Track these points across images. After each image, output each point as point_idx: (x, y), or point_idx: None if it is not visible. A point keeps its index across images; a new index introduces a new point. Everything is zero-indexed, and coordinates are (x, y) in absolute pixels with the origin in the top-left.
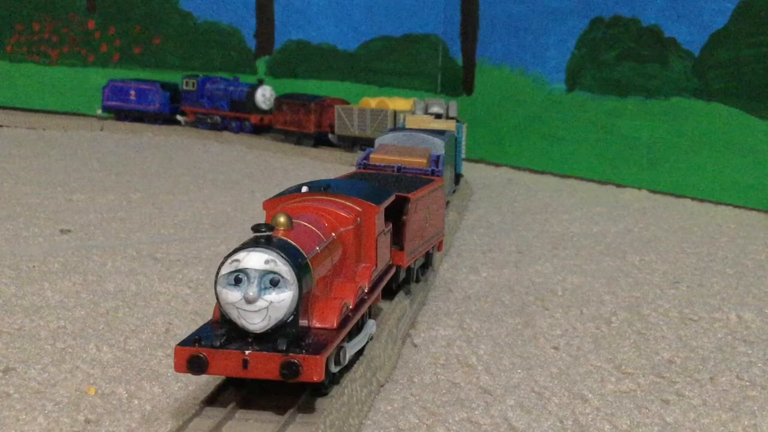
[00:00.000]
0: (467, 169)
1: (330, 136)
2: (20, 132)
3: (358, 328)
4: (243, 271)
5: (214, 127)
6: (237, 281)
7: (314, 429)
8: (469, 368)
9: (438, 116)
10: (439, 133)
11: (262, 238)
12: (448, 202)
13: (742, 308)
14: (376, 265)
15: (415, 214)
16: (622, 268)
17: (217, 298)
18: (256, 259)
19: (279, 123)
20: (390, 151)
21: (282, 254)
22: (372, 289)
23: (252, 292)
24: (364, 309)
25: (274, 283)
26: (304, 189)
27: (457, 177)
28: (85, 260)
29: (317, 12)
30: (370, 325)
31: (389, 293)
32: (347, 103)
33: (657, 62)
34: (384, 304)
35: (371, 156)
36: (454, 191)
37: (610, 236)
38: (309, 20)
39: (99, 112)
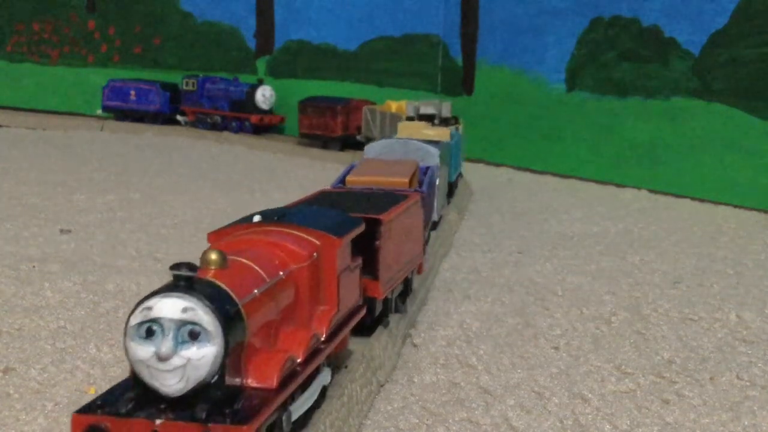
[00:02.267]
0: (467, 169)
1: (358, 137)
2: (20, 132)
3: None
4: (156, 321)
5: (214, 127)
6: (149, 333)
7: (314, 429)
8: (469, 368)
9: (430, 117)
10: (432, 143)
11: (181, 280)
12: (440, 218)
13: (742, 308)
14: (338, 307)
15: (389, 239)
16: (622, 268)
17: (126, 354)
18: (171, 307)
19: (304, 127)
20: (371, 169)
21: (204, 300)
22: (332, 336)
23: (165, 347)
24: (318, 361)
25: (194, 336)
26: (257, 218)
27: (451, 188)
28: (85, 260)
29: (317, 12)
30: (323, 375)
31: (366, 330)
32: (373, 104)
33: (657, 62)
34: (359, 344)
35: (348, 179)
36: (448, 203)
37: (610, 236)
38: (309, 20)
39: (99, 112)
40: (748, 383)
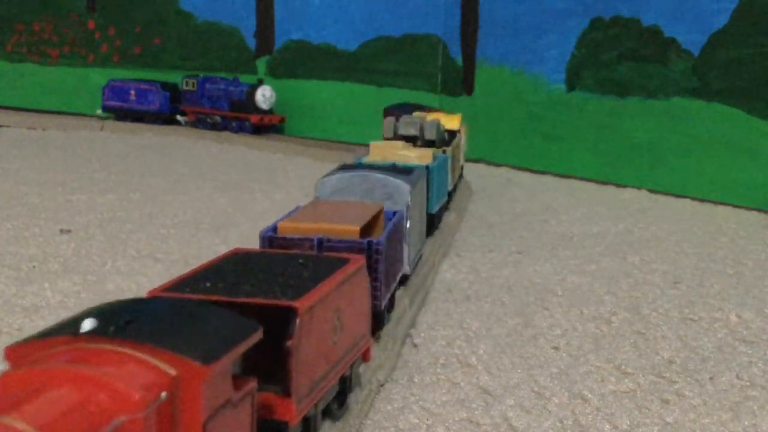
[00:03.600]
0: (467, 169)
1: None
2: (20, 132)
3: None
4: None
5: (214, 127)
6: None
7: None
8: (469, 368)
9: (412, 139)
10: (405, 172)
11: None
12: (414, 268)
13: (742, 308)
14: None
15: (311, 333)
16: (622, 268)
17: None
18: None
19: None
20: (317, 213)
21: None
22: None
23: None
24: None
25: None
26: (87, 325)
27: (432, 220)
28: (85, 260)
29: (317, 12)
30: None
31: None
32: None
33: (657, 62)
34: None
35: (281, 225)
36: (432, 233)
37: (610, 236)
38: (309, 20)
39: (99, 112)
40: (748, 383)
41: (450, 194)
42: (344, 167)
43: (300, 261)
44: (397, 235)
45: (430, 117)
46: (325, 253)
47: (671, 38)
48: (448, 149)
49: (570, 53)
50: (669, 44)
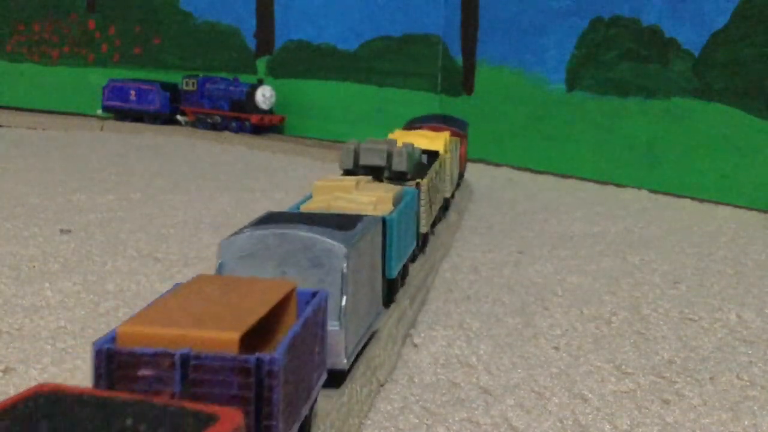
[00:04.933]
0: (468, 169)
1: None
2: (20, 132)
3: None
4: None
5: (214, 127)
6: None
7: (314, 429)
8: (469, 368)
9: (377, 171)
10: (346, 225)
11: None
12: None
13: (742, 308)
14: None
15: None
16: (622, 268)
17: None
18: None
19: None
20: (186, 304)
21: None
22: None
23: None
24: None
25: None
26: None
27: (393, 285)
28: (85, 260)
29: (317, 12)
30: None
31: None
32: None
33: (657, 62)
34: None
35: (121, 331)
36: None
37: (610, 236)
38: (309, 20)
39: (99, 112)
40: (748, 383)
41: (425, 237)
42: (264, 220)
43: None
44: (312, 334)
45: (404, 140)
46: (178, 402)
47: (671, 38)
48: (424, 181)
49: (570, 53)
50: (669, 44)
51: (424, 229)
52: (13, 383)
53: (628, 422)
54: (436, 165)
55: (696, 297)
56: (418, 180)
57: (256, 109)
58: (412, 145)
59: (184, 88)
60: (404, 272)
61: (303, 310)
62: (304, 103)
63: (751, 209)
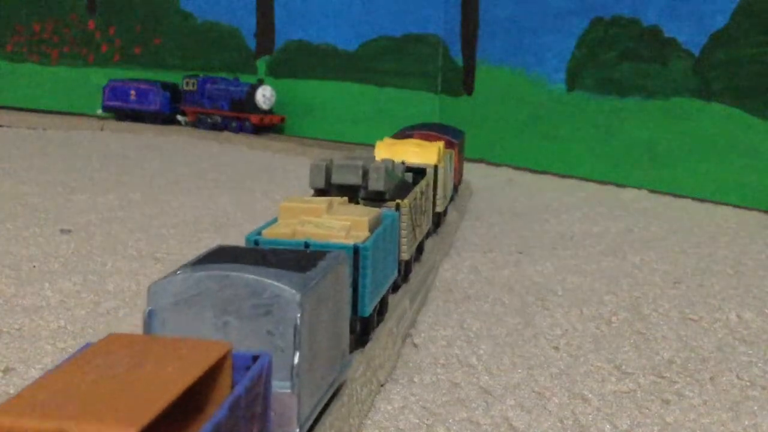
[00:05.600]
0: (468, 169)
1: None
2: (20, 132)
3: None
4: None
5: (215, 127)
6: None
7: (314, 429)
8: (469, 368)
9: (352, 191)
10: (306, 263)
11: None
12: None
13: (742, 308)
14: None
15: None
16: (623, 268)
17: None
18: None
19: None
20: (78, 384)
21: None
22: None
23: None
24: None
25: None
26: None
27: (365, 323)
28: (85, 260)
29: (317, 12)
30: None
31: None
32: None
33: (657, 62)
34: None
35: None
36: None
37: (610, 236)
38: (309, 20)
39: (99, 112)
40: (748, 383)
41: (408, 264)
42: (209, 256)
43: None
44: (246, 417)
45: (392, 149)
46: None
47: (671, 38)
48: (405, 201)
49: (570, 53)
50: (669, 44)
51: (405, 256)
52: (13, 383)
53: (628, 422)
54: (422, 183)
55: (696, 297)
56: (398, 201)
57: (257, 109)
58: (392, 161)
59: (185, 88)
60: (382, 307)
61: (242, 377)
62: (304, 103)
63: (751, 209)
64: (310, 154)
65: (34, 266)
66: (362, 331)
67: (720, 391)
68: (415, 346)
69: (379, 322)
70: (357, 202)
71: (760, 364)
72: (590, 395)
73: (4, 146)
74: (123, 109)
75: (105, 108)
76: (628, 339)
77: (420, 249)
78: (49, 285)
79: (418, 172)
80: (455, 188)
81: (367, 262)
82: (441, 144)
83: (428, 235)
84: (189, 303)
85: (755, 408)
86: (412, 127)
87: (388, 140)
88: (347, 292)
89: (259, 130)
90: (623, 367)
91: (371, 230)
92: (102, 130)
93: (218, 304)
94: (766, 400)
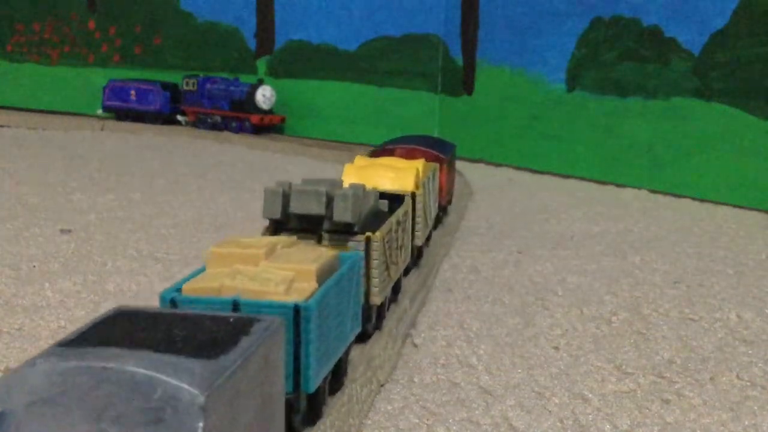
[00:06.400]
0: (468, 169)
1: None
2: (20, 132)
3: None
4: None
5: (215, 127)
6: None
7: (314, 429)
8: (469, 368)
9: (314, 222)
10: (232, 331)
11: None
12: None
13: (742, 308)
14: None
15: None
16: (623, 268)
17: None
18: None
19: None
20: None
21: None
22: None
23: None
24: None
25: None
26: None
27: (312, 399)
28: (85, 260)
29: (317, 12)
30: None
31: None
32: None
33: (657, 62)
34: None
35: None
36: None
37: (610, 236)
38: (309, 20)
39: (99, 112)
40: (748, 383)
41: (380, 309)
42: (92, 330)
43: None
44: None
45: (366, 170)
46: None
47: (671, 38)
48: (377, 234)
49: (570, 53)
50: (669, 44)
51: (377, 300)
52: None
53: (628, 422)
54: (399, 212)
55: (696, 297)
56: (368, 234)
57: (257, 109)
58: (363, 186)
59: (185, 88)
60: (338, 370)
61: None
62: (304, 103)
63: (751, 209)
64: (310, 154)
65: (34, 266)
66: (310, 409)
67: (720, 391)
68: (415, 346)
69: (335, 392)
70: (320, 237)
71: (760, 364)
72: (590, 395)
73: (4, 146)
74: (123, 109)
75: (105, 108)
76: (628, 339)
77: (396, 289)
78: (49, 285)
79: (394, 199)
80: (444, 209)
81: (310, 326)
82: (420, 165)
83: (407, 271)
84: (51, 404)
85: (755, 408)
86: (396, 141)
87: (360, 160)
88: (281, 366)
89: (259, 130)
90: (623, 367)
91: (320, 281)
92: (102, 130)
93: (91, 406)
94: (766, 400)
